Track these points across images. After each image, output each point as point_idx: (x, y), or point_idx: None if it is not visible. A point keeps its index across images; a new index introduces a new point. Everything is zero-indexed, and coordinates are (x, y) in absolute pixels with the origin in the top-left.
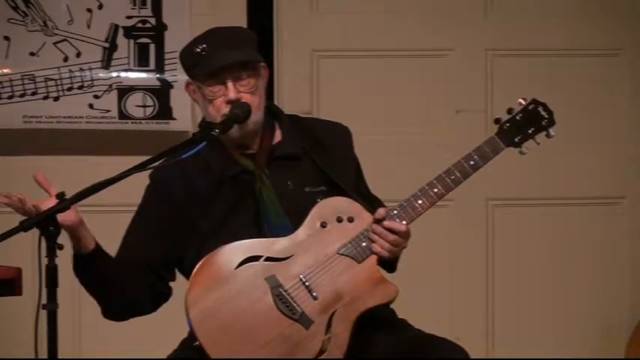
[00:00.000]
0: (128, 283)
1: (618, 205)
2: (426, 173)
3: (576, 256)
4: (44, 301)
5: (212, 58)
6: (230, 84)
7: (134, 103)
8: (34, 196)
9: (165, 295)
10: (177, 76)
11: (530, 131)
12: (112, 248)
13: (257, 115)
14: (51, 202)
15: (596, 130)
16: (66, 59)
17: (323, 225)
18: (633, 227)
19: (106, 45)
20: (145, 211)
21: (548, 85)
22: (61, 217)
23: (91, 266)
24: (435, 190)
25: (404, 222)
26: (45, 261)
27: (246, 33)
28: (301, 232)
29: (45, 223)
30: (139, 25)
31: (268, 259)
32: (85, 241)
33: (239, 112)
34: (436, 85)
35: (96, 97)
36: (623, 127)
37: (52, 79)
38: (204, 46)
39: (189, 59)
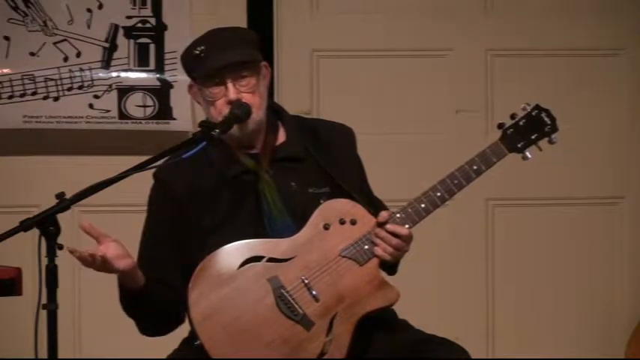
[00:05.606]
0: (170, 305)
1: (618, 205)
2: (426, 173)
3: (576, 256)
4: (44, 301)
5: (210, 60)
6: (230, 84)
7: (134, 103)
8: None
9: None
10: (178, 76)
11: (533, 137)
12: None
13: (258, 115)
14: (109, 246)
15: (596, 130)
16: (66, 59)
17: (326, 227)
18: (633, 227)
19: (106, 45)
20: (155, 217)
21: (548, 85)
22: (120, 264)
23: (140, 300)
24: (438, 194)
25: (407, 226)
26: (45, 261)
27: (246, 33)
28: (304, 234)
29: (45, 223)
30: (139, 25)
31: (270, 259)
32: (137, 280)
33: (239, 112)
34: (436, 85)
35: (96, 97)
36: (623, 127)
37: (52, 79)
38: (203, 47)
39: (189, 62)
